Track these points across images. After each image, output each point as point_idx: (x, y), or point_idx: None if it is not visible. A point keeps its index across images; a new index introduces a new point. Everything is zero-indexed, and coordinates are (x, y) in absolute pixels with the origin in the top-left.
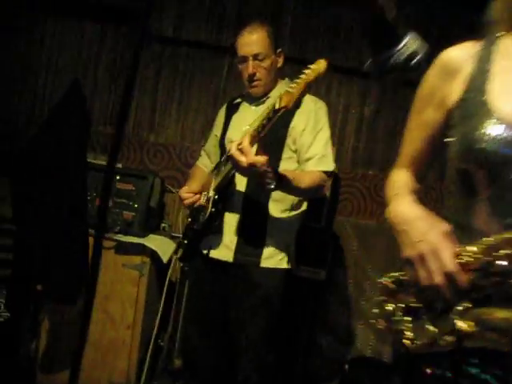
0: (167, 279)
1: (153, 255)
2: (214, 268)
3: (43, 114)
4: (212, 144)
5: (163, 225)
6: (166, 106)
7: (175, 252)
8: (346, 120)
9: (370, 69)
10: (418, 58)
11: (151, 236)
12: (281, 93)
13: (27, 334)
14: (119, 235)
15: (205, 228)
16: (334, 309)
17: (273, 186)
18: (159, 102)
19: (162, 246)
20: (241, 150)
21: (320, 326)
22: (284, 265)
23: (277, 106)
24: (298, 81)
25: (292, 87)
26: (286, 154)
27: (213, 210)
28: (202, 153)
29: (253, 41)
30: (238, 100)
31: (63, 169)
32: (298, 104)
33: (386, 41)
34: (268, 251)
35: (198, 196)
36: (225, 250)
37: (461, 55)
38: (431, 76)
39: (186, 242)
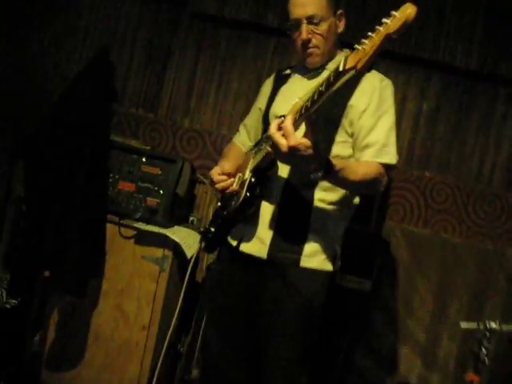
0: (187, 274)
1: (176, 249)
2: (244, 264)
3: None
4: (254, 118)
5: (192, 218)
6: (204, 89)
7: (200, 242)
8: (402, 114)
9: None
10: None
11: (176, 227)
12: (349, 54)
13: (32, 325)
14: (140, 223)
15: (237, 215)
16: (378, 327)
17: (320, 175)
18: (196, 85)
19: (188, 239)
20: (282, 130)
21: (361, 346)
22: (328, 266)
23: (341, 68)
24: (372, 34)
25: (363, 43)
26: (341, 136)
27: (247, 194)
28: (241, 128)
29: (306, 1)
30: (288, 71)
31: (80, 147)
32: (369, 67)
33: None
34: (310, 248)
35: (231, 180)
36: (258, 244)
37: None
38: None
39: (212, 229)
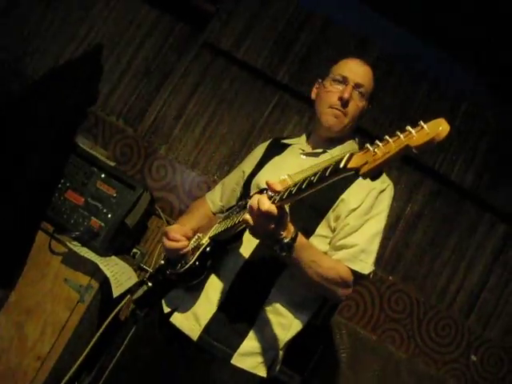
0: (109, 318)
1: (104, 282)
2: (171, 336)
3: None
4: (234, 180)
5: (135, 250)
6: (192, 121)
7: (131, 291)
8: None
9: None
10: None
11: (113, 258)
12: (354, 148)
13: None
14: (75, 243)
15: (178, 280)
16: None
17: (286, 241)
18: (186, 115)
19: (121, 275)
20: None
21: None
22: (262, 371)
23: (341, 165)
24: (389, 139)
25: (377, 146)
26: (322, 229)
27: (196, 263)
28: (218, 186)
29: (363, 71)
30: (288, 141)
31: (37, 141)
32: (375, 175)
33: None
34: (248, 346)
35: (185, 243)
36: (192, 322)
37: None
38: None
39: (150, 284)
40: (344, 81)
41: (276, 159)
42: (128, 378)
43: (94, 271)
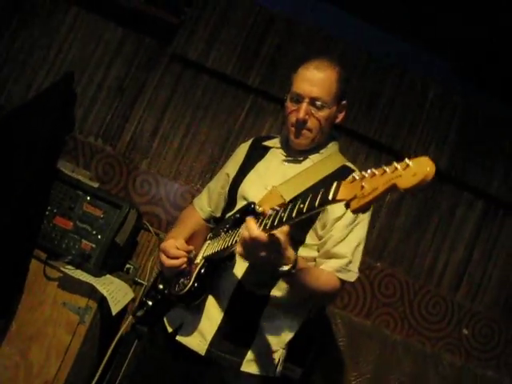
0: (117, 337)
1: (102, 301)
2: (178, 353)
3: None
4: (219, 184)
5: (128, 266)
6: (170, 134)
7: (133, 312)
8: None
9: None
10: None
11: (108, 277)
12: (335, 151)
13: None
14: (69, 267)
15: (179, 301)
16: None
17: (286, 269)
18: (163, 128)
19: (117, 293)
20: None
21: None
22: (270, 372)
23: (330, 197)
24: (376, 172)
25: (363, 178)
26: (311, 239)
27: (195, 285)
28: (204, 192)
29: (317, 80)
30: (269, 143)
31: (20, 171)
32: (365, 210)
33: None
34: (254, 353)
35: (185, 260)
36: (198, 338)
37: None
38: None
39: (150, 303)
40: (299, 99)
41: (259, 166)
42: None
43: (91, 292)
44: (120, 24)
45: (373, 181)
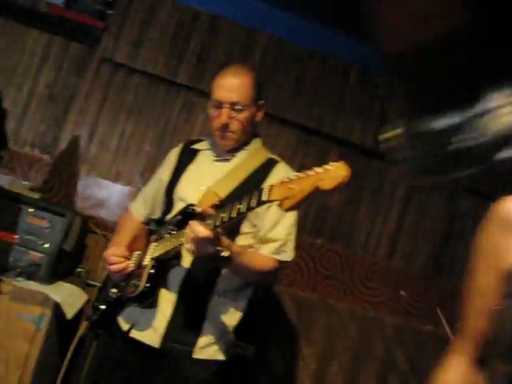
0: (75, 340)
1: (57, 307)
2: (134, 349)
3: None
4: (154, 188)
5: (79, 269)
6: (106, 137)
7: (88, 317)
8: None
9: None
10: None
11: (59, 283)
12: (259, 147)
13: None
14: (19, 279)
15: (132, 301)
16: None
17: (226, 254)
18: (99, 132)
19: (71, 297)
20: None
21: None
22: (221, 356)
23: (265, 198)
24: (302, 176)
25: (291, 181)
26: (246, 227)
27: (147, 285)
28: (139, 196)
29: (234, 86)
30: (197, 146)
31: None
32: (297, 208)
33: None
34: (204, 340)
35: (127, 262)
36: (151, 332)
37: None
38: (487, 231)
39: (102, 307)
40: (219, 105)
41: (191, 168)
42: None
43: (44, 300)
44: (44, 30)
45: (300, 183)
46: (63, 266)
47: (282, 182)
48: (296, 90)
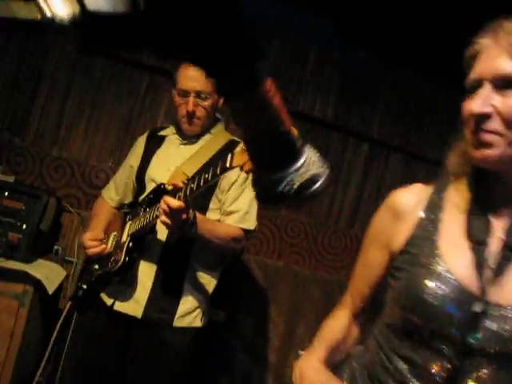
0: (62, 318)
1: (38, 283)
2: (118, 321)
3: None
4: (125, 175)
5: (56, 247)
6: (74, 118)
7: (71, 298)
8: None
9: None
10: (317, 185)
11: (39, 261)
12: (221, 129)
13: None
14: (0, 259)
15: (113, 277)
16: (234, 351)
17: (190, 221)
18: (67, 114)
19: (50, 274)
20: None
21: (222, 370)
22: (198, 323)
23: (228, 164)
24: None
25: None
26: (214, 203)
27: (127, 259)
28: (111, 183)
29: (198, 76)
30: (163, 133)
31: None
32: None
33: (277, 157)
34: (183, 309)
35: (104, 246)
36: (133, 304)
37: (410, 199)
38: (379, 216)
39: (84, 286)
40: (185, 94)
41: (159, 152)
42: (79, 370)
43: (25, 278)
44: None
45: None
46: (41, 245)
47: (242, 149)
48: None
